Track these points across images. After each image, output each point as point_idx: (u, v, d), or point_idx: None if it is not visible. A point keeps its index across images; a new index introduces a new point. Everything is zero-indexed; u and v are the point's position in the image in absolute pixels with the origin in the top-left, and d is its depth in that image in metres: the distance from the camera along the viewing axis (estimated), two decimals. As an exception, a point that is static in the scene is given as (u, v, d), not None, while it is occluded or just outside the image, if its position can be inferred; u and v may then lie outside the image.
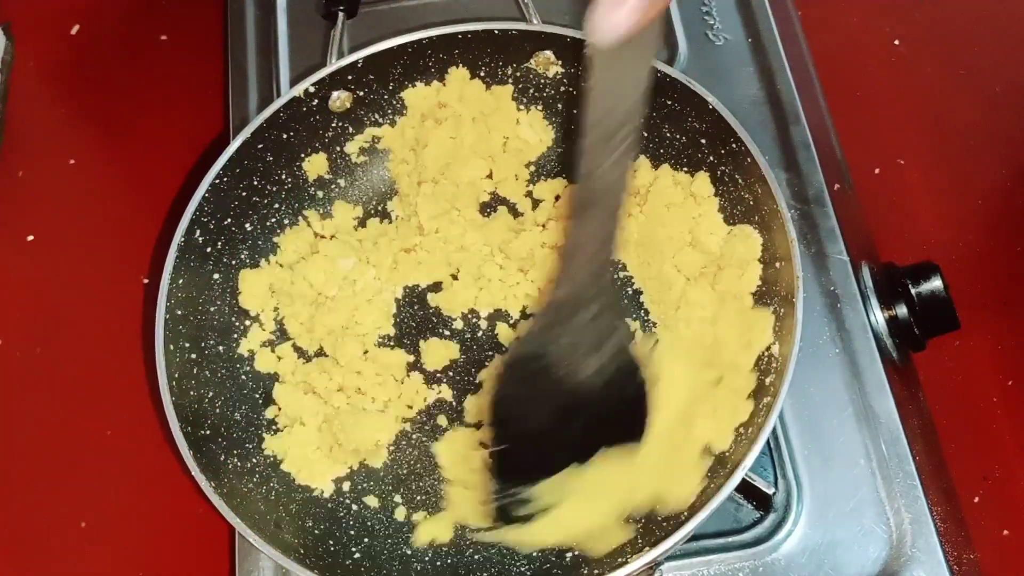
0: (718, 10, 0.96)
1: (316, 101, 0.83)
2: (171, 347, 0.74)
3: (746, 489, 0.76)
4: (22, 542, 0.87)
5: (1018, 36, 1.06)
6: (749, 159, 0.76)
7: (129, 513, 0.87)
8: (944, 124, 1.01)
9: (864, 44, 1.06)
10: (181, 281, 0.77)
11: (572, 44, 0.82)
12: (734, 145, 0.77)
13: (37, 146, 1.05)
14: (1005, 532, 0.84)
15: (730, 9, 0.97)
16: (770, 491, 0.75)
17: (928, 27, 1.07)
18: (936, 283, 0.82)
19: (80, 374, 0.93)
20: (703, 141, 0.81)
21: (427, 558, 0.75)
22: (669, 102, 0.81)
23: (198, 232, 0.79)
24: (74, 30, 1.11)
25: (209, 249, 0.80)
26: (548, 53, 0.84)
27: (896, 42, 1.06)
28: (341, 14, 0.91)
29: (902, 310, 0.83)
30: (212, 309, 0.80)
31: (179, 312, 0.76)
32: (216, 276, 0.81)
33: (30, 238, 1.00)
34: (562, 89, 0.86)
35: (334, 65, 0.82)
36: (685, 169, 0.83)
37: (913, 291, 0.83)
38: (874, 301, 0.83)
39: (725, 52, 0.94)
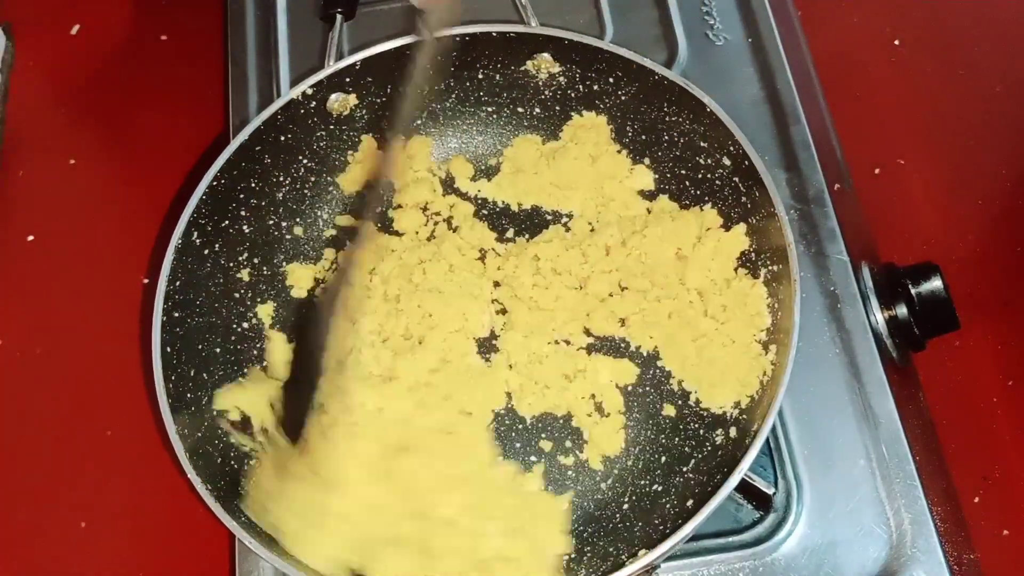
0: (718, 10, 0.96)
1: (314, 103, 0.83)
2: (168, 349, 0.74)
3: (746, 489, 0.76)
4: (22, 542, 0.87)
5: (1018, 36, 1.06)
6: (747, 162, 0.76)
7: (129, 513, 0.87)
8: (944, 124, 1.01)
9: (864, 44, 1.06)
10: (179, 283, 0.77)
11: (570, 46, 0.82)
12: (732, 148, 0.77)
13: (37, 146, 1.05)
14: (1005, 532, 0.84)
15: (730, 9, 0.97)
16: (770, 491, 0.75)
17: (928, 27, 1.07)
18: (936, 283, 0.82)
19: (80, 374, 0.93)
20: (702, 144, 0.81)
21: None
22: (667, 105, 0.81)
23: (196, 234, 0.78)
24: (74, 30, 1.11)
25: (207, 251, 0.80)
26: (546, 55, 0.84)
27: (896, 42, 1.06)
28: (339, 16, 0.91)
29: (902, 310, 0.83)
30: (210, 311, 0.80)
31: (176, 314, 0.76)
32: (215, 279, 0.81)
33: (30, 238, 1.00)
34: (559, 93, 0.86)
35: (332, 67, 0.82)
36: (682, 171, 0.83)
37: (913, 291, 0.83)
38: (874, 301, 0.83)
39: (725, 52, 0.94)
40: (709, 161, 0.80)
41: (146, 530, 0.87)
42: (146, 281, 0.96)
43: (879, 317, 0.83)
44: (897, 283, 0.84)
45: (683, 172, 0.83)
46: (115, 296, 0.95)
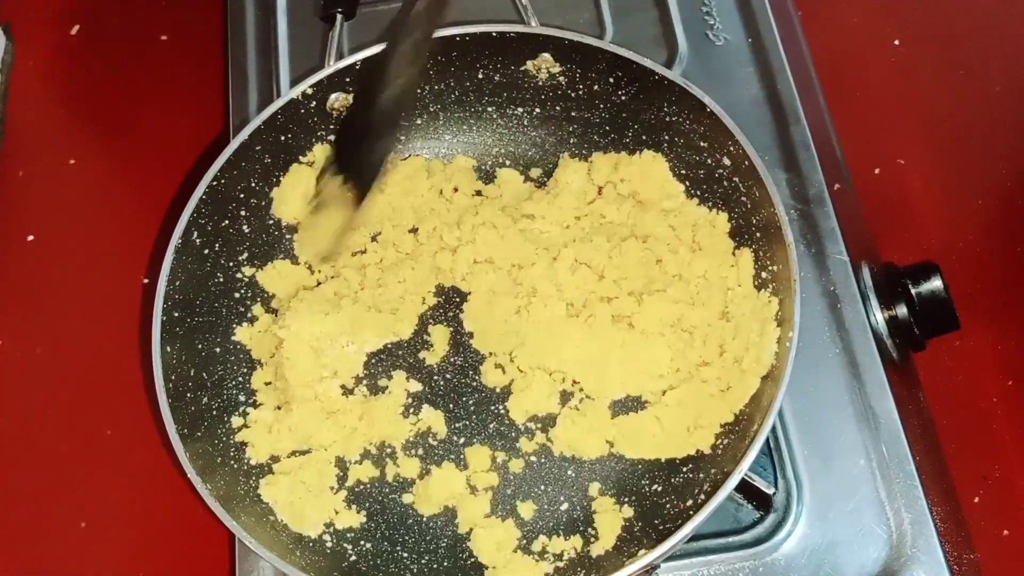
0: (718, 10, 0.96)
1: (314, 103, 0.83)
2: (168, 348, 0.74)
3: (746, 489, 0.76)
4: (22, 542, 0.87)
5: (1018, 36, 1.06)
6: (747, 163, 0.76)
7: (129, 513, 0.87)
8: (944, 124, 1.01)
9: (864, 44, 1.06)
10: (179, 283, 0.77)
11: (571, 46, 0.82)
12: (732, 148, 0.77)
13: (37, 146, 1.06)
14: (1005, 532, 0.84)
15: (730, 9, 0.96)
16: (770, 491, 0.75)
17: (928, 27, 1.07)
18: (936, 283, 0.82)
19: (80, 374, 0.93)
20: (702, 144, 0.81)
21: (423, 561, 0.75)
22: (667, 105, 0.81)
23: (195, 234, 0.78)
24: (74, 30, 1.11)
25: (207, 251, 0.80)
26: (546, 55, 0.84)
27: (896, 42, 1.06)
28: (339, 16, 0.91)
29: (902, 310, 0.83)
30: (210, 311, 0.80)
31: (176, 314, 0.76)
32: (215, 278, 0.81)
33: (30, 238, 1.00)
34: (559, 92, 0.86)
35: (332, 67, 0.82)
36: (683, 171, 0.83)
37: (913, 291, 0.83)
38: (874, 301, 0.83)
39: (725, 52, 0.94)
40: (709, 161, 0.80)
41: (146, 530, 0.87)
42: (146, 281, 0.96)
43: (879, 317, 0.83)
44: (897, 283, 0.84)
45: (682, 172, 0.83)
46: (115, 296, 0.95)
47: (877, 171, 0.99)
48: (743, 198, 0.78)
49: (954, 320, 0.82)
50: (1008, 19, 1.07)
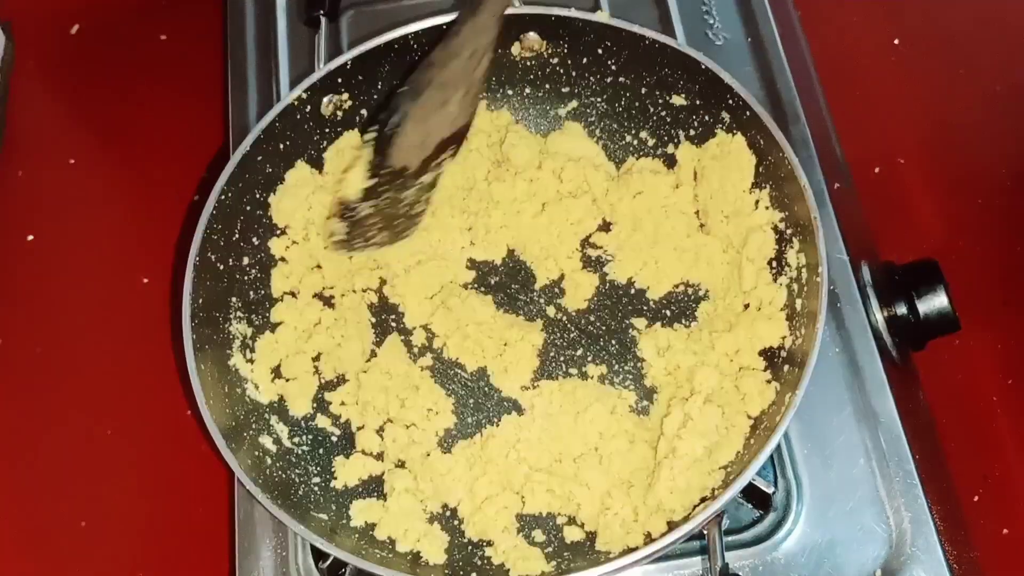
0: (718, 10, 0.96)
1: (309, 108, 0.83)
2: (201, 367, 0.73)
3: (746, 488, 0.75)
4: (22, 542, 0.87)
5: (1018, 36, 1.06)
6: (748, 112, 0.77)
7: (129, 513, 0.87)
8: (944, 124, 1.02)
9: (864, 44, 1.07)
10: (201, 301, 0.76)
11: (557, 23, 0.82)
12: (731, 101, 0.78)
13: (37, 146, 1.06)
14: (1005, 531, 0.84)
15: (730, 9, 0.96)
16: (770, 490, 0.75)
17: (928, 27, 1.07)
18: (936, 283, 0.82)
19: (80, 374, 0.93)
20: (698, 102, 0.81)
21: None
22: (658, 68, 0.82)
23: (209, 251, 0.78)
24: (74, 30, 1.12)
25: (221, 267, 0.79)
26: (533, 34, 0.83)
27: (896, 42, 1.06)
28: (323, 19, 0.90)
29: (902, 309, 0.83)
30: (225, 324, 0.80)
31: (201, 329, 0.75)
32: (232, 296, 0.80)
33: (30, 238, 1.00)
34: (548, 70, 0.86)
35: (322, 70, 0.82)
36: (679, 132, 0.84)
37: (913, 291, 0.83)
38: (874, 300, 0.83)
39: (725, 52, 0.94)
40: (707, 118, 0.81)
41: (146, 530, 0.87)
42: (146, 281, 0.96)
43: (879, 316, 0.83)
44: (897, 282, 0.84)
45: (680, 132, 0.84)
46: (115, 296, 0.96)
47: (877, 171, 0.99)
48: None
49: (954, 321, 0.82)
50: (1008, 19, 1.07)
